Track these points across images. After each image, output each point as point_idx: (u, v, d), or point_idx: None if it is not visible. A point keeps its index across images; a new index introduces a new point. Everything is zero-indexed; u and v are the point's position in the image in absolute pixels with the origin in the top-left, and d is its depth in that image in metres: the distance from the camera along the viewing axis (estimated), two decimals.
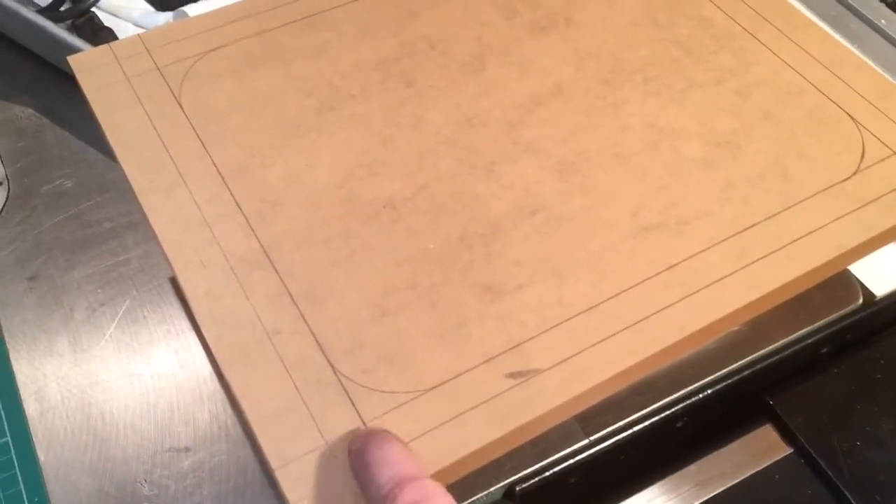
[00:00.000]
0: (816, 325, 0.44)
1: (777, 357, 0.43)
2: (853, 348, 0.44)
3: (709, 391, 0.42)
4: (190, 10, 0.56)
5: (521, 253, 0.33)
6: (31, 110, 0.54)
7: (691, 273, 0.33)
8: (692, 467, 0.41)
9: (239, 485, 0.39)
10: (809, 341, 0.43)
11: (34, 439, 0.39)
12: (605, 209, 0.35)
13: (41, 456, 0.39)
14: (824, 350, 0.44)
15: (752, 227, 0.34)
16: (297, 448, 0.28)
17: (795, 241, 0.34)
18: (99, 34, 0.56)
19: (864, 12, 0.52)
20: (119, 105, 0.38)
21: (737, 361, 0.42)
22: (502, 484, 0.38)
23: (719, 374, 0.42)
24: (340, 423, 0.28)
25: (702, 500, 0.39)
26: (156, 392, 0.41)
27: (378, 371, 0.30)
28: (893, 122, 0.39)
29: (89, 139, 0.52)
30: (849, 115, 0.39)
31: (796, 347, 0.43)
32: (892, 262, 0.46)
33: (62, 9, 0.57)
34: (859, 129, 0.38)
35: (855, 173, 0.36)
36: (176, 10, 0.57)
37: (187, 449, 0.39)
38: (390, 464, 0.25)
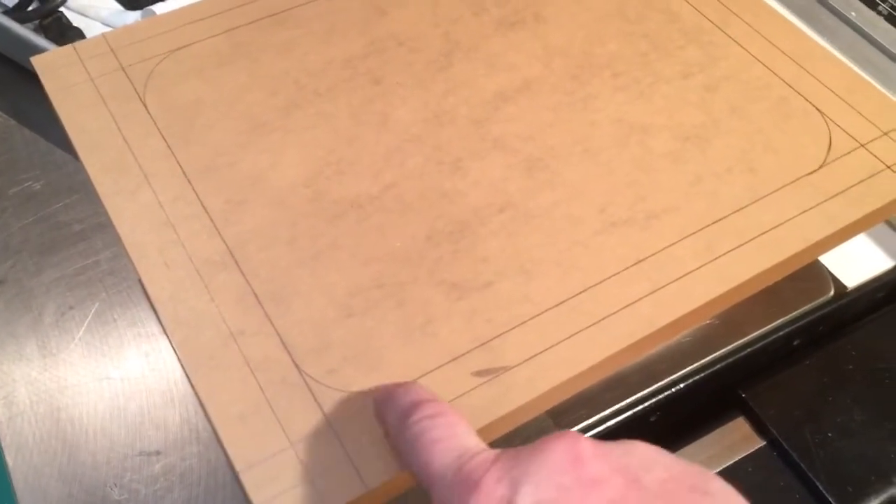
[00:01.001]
0: (788, 317, 0.44)
1: (749, 350, 0.43)
2: (825, 340, 0.44)
3: (681, 385, 0.42)
4: (158, 8, 0.55)
5: (489, 250, 0.33)
6: None
7: (659, 267, 0.33)
8: None
9: (210, 488, 0.38)
10: (781, 333, 0.44)
11: (2, 444, 0.39)
12: (573, 205, 0.35)
13: (9, 461, 0.38)
14: (796, 342, 0.45)
15: (719, 220, 0.34)
16: (262, 450, 0.28)
17: (763, 234, 0.34)
18: (67, 34, 0.56)
19: (834, 5, 0.53)
20: (83, 106, 0.37)
21: (709, 355, 0.43)
22: None
23: (692, 367, 0.42)
24: (306, 425, 0.28)
25: None
26: (126, 396, 0.41)
27: (344, 371, 0.30)
28: (861, 115, 0.39)
29: (58, 141, 0.52)
30: (816, 109, 0.39)
31: (768, 340, 0.43)
32: (863, 253, 0.46)
33: (29, 9, 0.56)
34: (826, 122, 0.38)
35: (822, 166, 0.36)
36: (144, 9, 0.56)
37: (158, 452, 0.39)
38: (411, 393, 0.26)
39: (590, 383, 0.32)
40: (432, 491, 0.23)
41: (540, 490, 0.21)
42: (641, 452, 0.23)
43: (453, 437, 0.24)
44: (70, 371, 0.42)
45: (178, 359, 0.31)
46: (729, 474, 0.40)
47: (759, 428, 0.42)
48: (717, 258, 0.33)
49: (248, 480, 0.27)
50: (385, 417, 0.27)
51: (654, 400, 0.41)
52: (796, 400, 0.42)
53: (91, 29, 0.57)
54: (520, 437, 0.40)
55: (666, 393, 0.41)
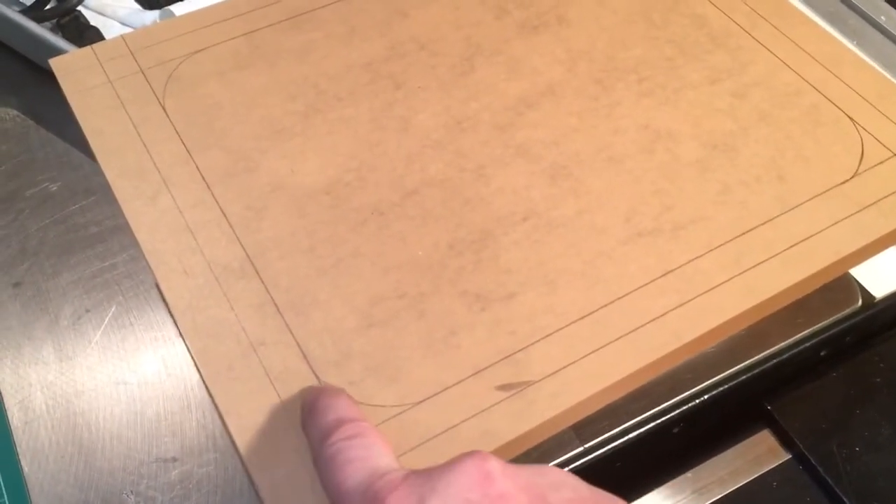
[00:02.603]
0: (815, 328, 0.43)
1: (775, 361, 0.42)
2: (852, 351, 0.44)
3: (705, 396, 0.41)
4: (176, 8, 0.55)
5: (512, 260, 0.33)
6: (15, 112, 0.53)
7: (687, 280, 0.32)
8: (689, 474, 0.40)
9: (227, 496, 0.38)
10: (808, 344, 0.43)
11: (18, 450, 0.39)
12: (597, 214, 0.34)
13: (25, 467, 0.38)
14: (823, 353, 0.44)
15: (748, 231, 0.34)
16: (282, 465, 0.27)
17: (793, 246, 0.33)
18: (84, 33, 0.55)
19: (863, 8, 0.52)
20: (102, 109, 0.37)
21: (734, 366, 0.42)
22: None
23: (716, 378, 0.41)
24: None
25: None
26: (143, 401, 0.41)
27: (365, 383, 0.29)
28: (893, 122, 0.38)
29: (75, 141, 0.51)
30: (847, 116, 0.38)
31: (794, 351, 0.43)
32: (891, 263, 0.45)
33: (47, 8, 0.56)
34: (858, 131, 0.37)
35: (854, 175, 0.36)
36: (162, 9, 0.56)
37: (174, 459, 0.39)
38: (335, 409, 0.26)
39: (615, 398, 0.31)
40: None
41: None
42: (552, 475, 0.24)
43: (367, 458, 0.24)
44: (86, 375, 0.41)
45: (197, 368, 0.30)
46: (754, 488, 0.39)
47: (785, 441, 0.41)
48: (745, 271, 0.32)
49: (264, 491, 0.26)
50: (307, 433, 0.27)
51: (677, 411, 0.40)
52: (823, 413, 0.41)
53: (109, 28, 0.57)
54: (538, 449, 0.39)
55: (690, 404, 0.41)
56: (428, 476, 0.23)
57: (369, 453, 0.24)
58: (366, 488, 0.23)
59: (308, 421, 0.27)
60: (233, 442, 0.28)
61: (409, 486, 0.22)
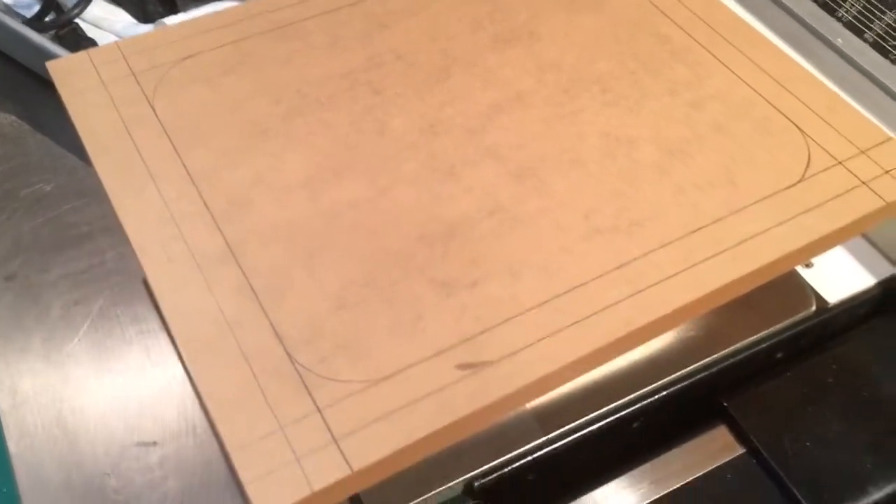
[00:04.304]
0: (770, 330, 0.45)
1: (732, 360, 0.44)
2: (806, 353, 0.46)
3: (664, 392, 0.43)
4: (170, 21, 0.57)
5: (478, 251, 0.35)
6: (13, 117, 0.55)
7: (639, 272, 0.34)
8: (647, 466, 0.42)
9: (204, 479, 0.39)
10: (764, 346, 0.45)
11: (5, 432, 0.40)
12: (560, 212, 0.36)
13: (12, 448, 0.40)
14: (779, 355, 0.46)
15: (699, 229, 0.36)
16: (253, 433, 0.29)
17: (739, 243, 0.35)
18: (81, 44, 0.58)
19: (821, 31, 0.54)
20: (94, 109, 0.39)
21: (693, 364, 0.44)
22: (461, 479, 0.39)
23: (675, 375, 0.43)
24: (296, 410, 0.30)
25: (656, 497, 0.41)
26: (126, 389, 0.42)
27: (334, 360, 0.31)
28: (840, 133, 0.40)
29: (69, 146, 0.54)
30: (796, 126, 0.40)
31: (751, 352, 0.45)
32: (845, 270, 0.48)
33: (47, 20, 0.59)
34: (806, 140, 0.40)
35: (800, 181, 0.38)
36: (156, 22, 0.58)
37: (155, 443, 0.40)
38: None
39: (569, 381, 0.33)
40: None
41: None
42: None
43: None
44: (73, 364, 0.43)
45: (176, 347, 0.32)
46: (709, 480, 0.41)
47: (740, 436, 0.43)
48: (695, 265, 0.35)
49: (238, 460, 0.28)
50: None
51: (637, 406, 0.42)
52: (777, 410, 0.43)
53: (105, 41, 0.59)
54: (503, 438, 0.41)
55: (649, 399, 0.43)
56: None
57: None
58: None
59: None
60: (208, 413, 0.30)
61: None
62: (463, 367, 0.31)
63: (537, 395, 0.32)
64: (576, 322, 0.33)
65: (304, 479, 0.28)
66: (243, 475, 0.28)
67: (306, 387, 0.30)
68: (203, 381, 0.30)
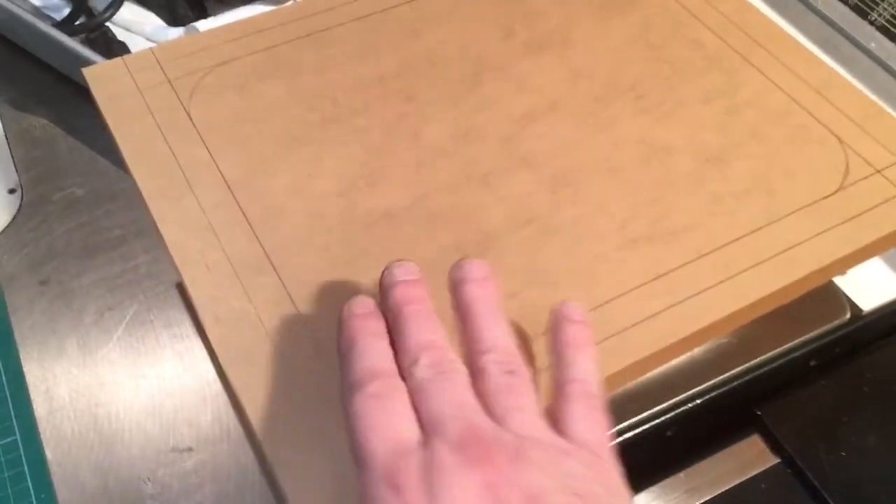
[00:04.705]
0: (805, 338, 0.45)
1: (766, 369, 0.44)
2: (841, 361, 0.45)
3: (698, 401, 0.43)
4: (200, 25, 0.57)
5: (515, 261, 0.35)
6: (45, 120, 0.56)
7: (678, 282, 0.34)
8: (681, 475, 0.42)
9: (240, 485, 0.40)
10: (797, 354, 0.45)
11: (42, 437, 0.41)
12: (595, 220, 0.36)
13: (49, 454, 0.40)
14: (812, 363, 0.45)
15: (737, 239, 0.36)
16: (298, 446, 0.29)
17: (779, 253, 0.35)
18: (112, 47, 0.58)
19: (854, 36, 0.54)
20: (131, 116, 0.39)
21: (726, 372, 0.44)
22: None
23: (709, 384, 0.43)
24: (340, 426, 0.30)
25: None
26: (161, 394, 0.43)
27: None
28: (878, 142, 0.40)
29: (101, 149, 0.54)
30: (834, 135, 0.40)
31: (785, 360, 0.44)
32: (879, 277, 0.47)
33: (77, 23, 0.59)
34: (844, 149, 0.39)
35: (838, 190, 0.38)
36: (187, 26, 0.58)
37: (190, 449, 0.41)
38: (364, 359, 0.27)
39: (609, 392, 0.33)
40: (360, 472, 0.25)
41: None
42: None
43: (388, 427, 0.25)
44: (108, 369, 0.43)
45: (214, 358, 0.32)
46: (743, 490, 0.41)
47: (774, 446, 0.42)
48: (733, 276, 0.34)
49: (282, 475, 0.28)
50: (341, 369, 0.28)
51: (671, 415, 0.42)
52: (811, 419, 0.43)
53: (135, 44, 0.60)
54: None
55: (683, 408, 0.42)
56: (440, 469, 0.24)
57: (391, 420, 0.25)
58: (385, 467, 0.24)
59: (342, 360, 0.27)
60: (249, 427, 0.30)
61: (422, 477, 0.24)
62: None
63: None
64: (615, 334, 0.32)
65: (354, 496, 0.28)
66: (289, 492, 0.28)
67: None
68: (245, 394, 0.30)
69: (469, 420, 0.25)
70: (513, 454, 0.24)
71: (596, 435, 0.27)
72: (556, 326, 0.30)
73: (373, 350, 0.27)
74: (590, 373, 0.29)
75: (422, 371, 0.26)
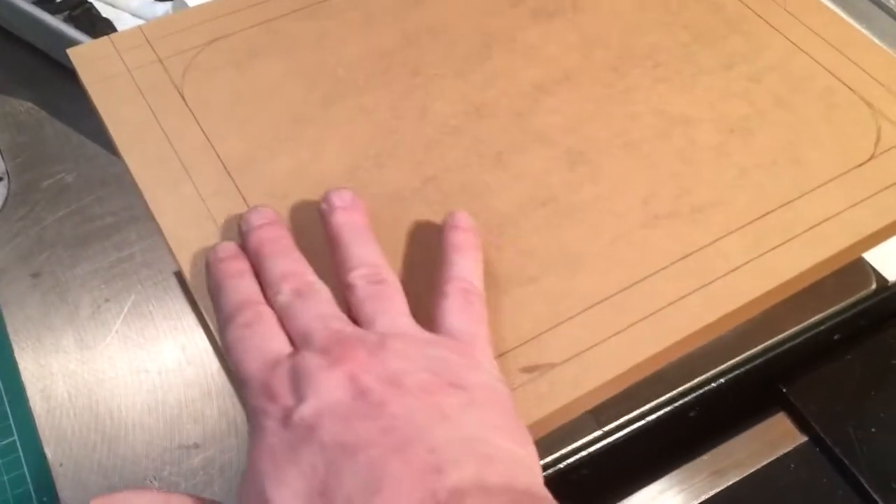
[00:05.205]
0: (829, 311, 0.43)
1: (790, 344, 0.42)
2: (866, 334, 0.44)
3: (721, 380, 0.41)
4: (190, 0, 0.55)
5: (532, 244, 0.33)
6: (30, 104, 0.53)
7: (706, 262, 0.32)
8: (706, 457, 0.40)
9: None
10: (822, 328, 0.43)
11: (41, 438, 0.39)
12: (616, 198, 0.34)
13: (49, 454, 0.38)
14: (837, 336, 0.44)
15: (766, 214, 0.34)
16: None
17: (811, 228, 0.33)
18: (97, 25, 0.55)
19: None
20: (121, 98, 0.37)
21: (749, 350, 0.42)
22: None
23: (732, 362, 0.42)
24: None
25: (717, 491, 0.39)
26: (163, 389, 0.41)
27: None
28: None
29: (89, 133, 0.52)
30: (862, 99, 0.38)
31: (809, 334, 0.43)
32: None
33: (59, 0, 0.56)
34: (874, 114, 0.37)
35: (870, 158, 0.36)
36: (175, 0, 0.56)
37: (196, 446, 0.39)
38: (235, 292, 0.29)
39: (635, 380, 0.31)
40: (243, 393, 0.27)
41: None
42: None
43: (261, 347, 0.27)
44: (107, 364, 0.42)
45: (219, 351, 0.31)
46: (771, 470, 0.40)
47: (801, 424, 0.41)
48: (764, 253, 0.33)
49: None
50: (215, 306, 0.29)
51: (694, 395, 0.41)
52: (838, 395, 0.42)
53: (120, 20, 0.57)
54: (559, 430, 0.39)
55: (706, 388, 0.41)
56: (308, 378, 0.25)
57: (262, 343, 0.27)
58: (260, 381, 0.26)
59: (213, 302, 0.29)
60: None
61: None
62: (527, 370, 0.29)
63: (605, 397, 0.30)
64: (642, 319, 0.31)
65: None
66: None
67: None
68: None
69: (331, 327, 0.27)
70: (374, 348, 0.26)
71: (468, 327, 0.28)
72: (444, 234, 0.31)
73: (238, 286, 0.29)
74: (470, 271, 0.30)
75: (285, 296, 0.28)
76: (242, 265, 0.30)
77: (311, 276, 0.29)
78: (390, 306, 0.28)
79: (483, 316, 0.29)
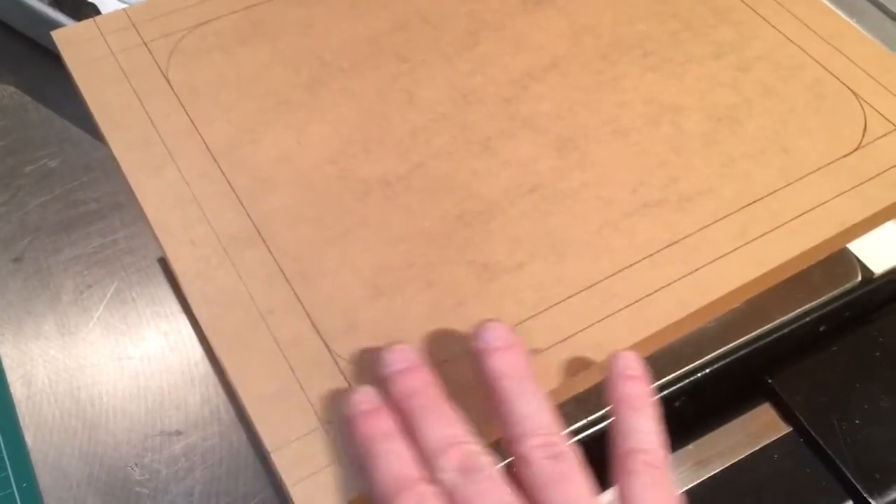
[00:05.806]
0: (815, 302, 0.43)
1: (775, 335, 0.42)
2: (852, 326, 0.44)
3: (707, 370, 0.41)
4: None
5: (520, 231, 0.33)
6: (12, 88, 0.53)
7: (693, 250, 0.32)
8: (690, 447, 0.40)
9: (232, 468, 0.38)
10: (808, 319, 0.43)
11: (21, 423, 0.38)
12: (604, 186, 0.34)
13: (29, 441, 0.38)
14: (823, 328, 0.44)
15: (753, 202, 0.34)
16: (294, 430, 0.27)
17: (798, 216, 0.33)
18: (81, 8, 0.55)
19: None
20: (105, 81, 0.37)
21: (735, 340, 0.42)
22: (505, 462, 0.38)
23: (717, 353, 0.42)
24: (337, 405, 0.28)
25: (701, 480, 0.39)
26: (146, 375, 0.40)
27: (373, 351, 0.29)
28: (895, 96, 0.38)
29: (73, 117, 0.51)
30: (850, 90, 0.38)
31: (795, 326, 0.43)
32: (891, 239, 0.46)
33: None
34: (861, 104, 0.37)
35: (857, 148, 0.36)
36: None
37: (179, 433, 0.39)
38: (366, 423, 0.26)
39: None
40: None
41: None
42: None
43: (396, 465, 0.25)
44: (89, 350, 0.41)
45: (202, 337, 0.30)
46: (754, 460, 0.40)
47: (786, 414, 0.41)
48: (751, 241, 0.33)
49: (279, 460, 0.26)
50: (364, 472, 0.26)
51: (679, 385, 0.41)
52: (823, 386, 0.42)
53: (105, 4, 0.56)
54: None
55: (691, 378, 0.41)
56: None
57: (396, 460, 0.25)
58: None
59: (363, 466, 0.26)
60: (244, 410, 0.28)
61: None
62: None
63: (589, 384, 0.30)
64: (628, 305, 0.31)
65: (351, 478, 0.26)
66: (287, 478, 0.26)
67: (347, 380, 0.28)
68: (237, 375, 0.28)
69: None
70: None
71: None
72: (611, 383, 0.28)
73: (391, 455, 0.25)
74: (652, 440, 0.27)
75: (451, 477, 0.25)
76: (390, 423, 0.26)
77: (473, 445, 0.26)
78: (577, 493, 0.25)
79: (672, 492, 0.26)
